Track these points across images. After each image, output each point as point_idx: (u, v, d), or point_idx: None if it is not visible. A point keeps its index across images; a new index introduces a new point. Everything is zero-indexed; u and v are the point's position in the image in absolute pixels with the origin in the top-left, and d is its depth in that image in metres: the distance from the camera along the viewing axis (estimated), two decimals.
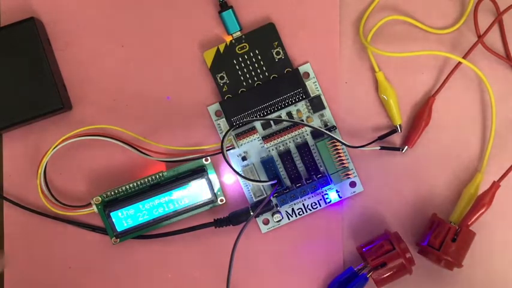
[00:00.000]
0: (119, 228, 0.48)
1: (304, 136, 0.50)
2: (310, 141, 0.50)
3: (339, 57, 0.51)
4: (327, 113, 0.50)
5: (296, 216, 0.50)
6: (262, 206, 0.48)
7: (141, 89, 0.51)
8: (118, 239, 0.49)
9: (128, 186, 0.48)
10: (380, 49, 0.49)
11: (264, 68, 0.50)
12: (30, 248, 0.51)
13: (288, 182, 0.50)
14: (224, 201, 0.49)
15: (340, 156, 0.49)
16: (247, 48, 0.50)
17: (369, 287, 0.47)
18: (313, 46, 0.50)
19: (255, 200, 0.50)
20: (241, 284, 0.50)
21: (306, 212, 0.50)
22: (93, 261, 0.50)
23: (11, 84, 0.48)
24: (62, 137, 0.48)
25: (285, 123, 0.50)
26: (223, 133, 0.48)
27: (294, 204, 0.50)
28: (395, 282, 0.47)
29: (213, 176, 0.49)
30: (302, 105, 0.50)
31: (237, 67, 0.50)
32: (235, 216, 0.48)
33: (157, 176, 0.49)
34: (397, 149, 0.50)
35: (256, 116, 0.50)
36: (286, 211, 0.50)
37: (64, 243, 0.50)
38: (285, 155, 0.50)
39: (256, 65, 0.50)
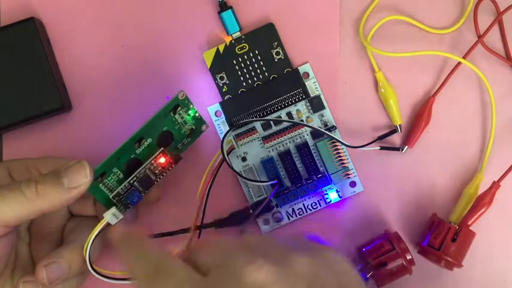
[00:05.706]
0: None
1: (304, 136, 0.50)
2: (310, 141, 0.50)
3: (339, 57, 0.51)
4: (327, 113, 0.50)
5: (296, 216, 0.50)
6: (263, 206, 0.48)
7: (141, 89, 0.51)
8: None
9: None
10: (380, 49, 0.49)
11: (264, 68, 0.50)
12: None
13: (288, 182, 0.50)
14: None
15: (340, 156, 0.49)
16: (247, 49, 0.50)
17: (368, 287, 0.47)
18: (313, 46, 0.50)
19: (255, 200, 0.49)
20: None
21: (306, 212, 0.50)
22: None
23: (11, 84, 0.48)
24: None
25: (285, 124, 0.50)
26: (223, 133, 0.48)
27: (294, 204, 0.50)
28: (395, 282, 0.47)
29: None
30: (302, 105, 0.50)
31: (237, 67, 0.50)
32: (235, 216, 0.48)
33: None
34: (397, 149, 0.50)
35: (256, 116, 0.50)
36: (286, 211, 0.50)
37: None
38: (285, 155, 0.50)
39: (256, 65, 0.50)
